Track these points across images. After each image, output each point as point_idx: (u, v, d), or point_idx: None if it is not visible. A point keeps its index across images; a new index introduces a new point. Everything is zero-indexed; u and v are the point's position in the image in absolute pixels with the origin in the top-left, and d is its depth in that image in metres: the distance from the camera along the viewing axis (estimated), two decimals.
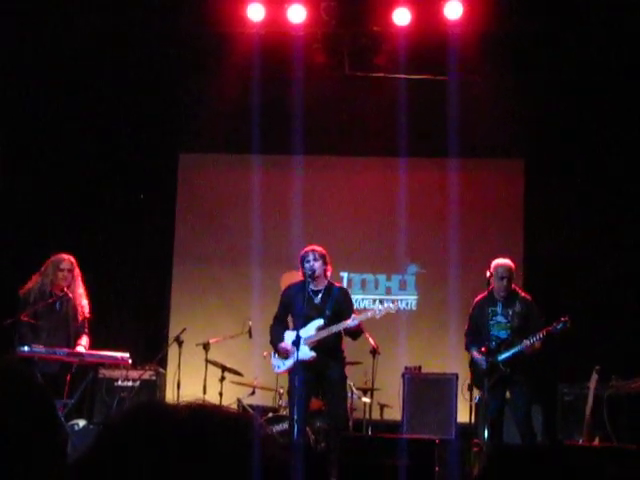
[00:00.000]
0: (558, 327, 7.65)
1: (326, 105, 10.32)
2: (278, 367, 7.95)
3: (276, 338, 7.90)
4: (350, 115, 10.54)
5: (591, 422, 8.13)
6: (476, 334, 8.03)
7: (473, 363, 7.99)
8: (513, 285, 8.04)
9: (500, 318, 7.96)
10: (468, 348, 8.09)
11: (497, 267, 7.96)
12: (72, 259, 8.24)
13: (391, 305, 7.92)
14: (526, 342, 7.70)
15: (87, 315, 8.22)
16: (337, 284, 8.30)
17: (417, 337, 10.44)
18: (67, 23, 9.24)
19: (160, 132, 10.68)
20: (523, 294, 8.07)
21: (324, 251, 7.87)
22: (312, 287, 7.85)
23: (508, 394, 7.98)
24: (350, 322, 7.59)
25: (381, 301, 7.98)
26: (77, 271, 8.25)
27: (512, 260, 8.15)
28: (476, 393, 8.00)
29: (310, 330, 7.69)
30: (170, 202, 11.04)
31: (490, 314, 7.98)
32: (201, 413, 1.13)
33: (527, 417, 7.92)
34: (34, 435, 1.52)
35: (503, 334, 7.92)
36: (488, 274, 7.90)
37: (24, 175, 10.16)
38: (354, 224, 10.87)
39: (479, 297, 8.10)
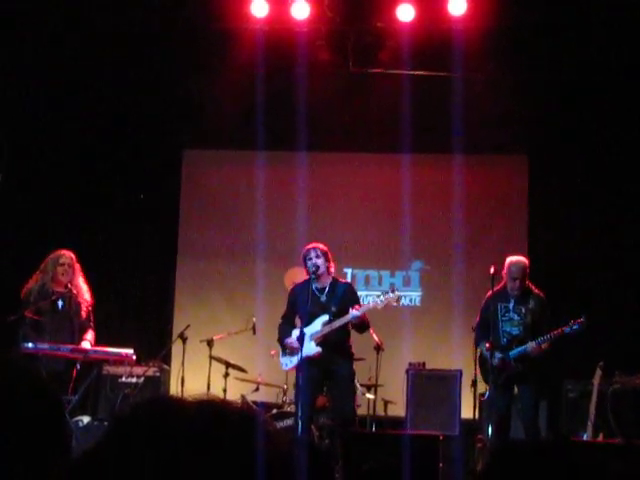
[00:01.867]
0: (574, 327, 7.56)
1: (330, 101, 10.31)
2: (286, 365, 7.98)
3: (283, 335, 7.92)
4: (354, 111, 10.53)
5: (595, 418, 8.13)
6: (486, 329, 7.87)
7: (482, 358, 7.93)
8: (527, 282, 7.95)
9: (512, 315, 7.86)
10: (477, 343, 7.95)
11: (510, 266, 7.85)
12: (71, 254, 8.20)
13: (391, 295, 7.82)
14: (532, 344, 7.62)
15: (91, 309, 8.21)
16: (342, 280, 8.30)
17: (421, 333, 10.43)
18: (68, 20, 9.23)
19: (164, 128, 10.68)
20: (537, 291, 7.96)
21: (325, 248, 7.88)
22: (317, 285, 7.87)
23: (516, 390, 7.94)
24: (353, 312, 7.59)
25: (384, 293, 7.90)
26: (77, 266, 8.22)
27: (518, 256, 8.10)
28: (480, 389, 7.99)
29: (316, 326, 7.71)
30: (174, 198, 11.04)
31: (502, 310, 7.87)
32: (209, 408, 1.13)
33: (534, 415, 7.89)
34: (40, 432, 1.53)
35: (515, 331, 7.84)
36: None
37: (26, 174, 10.16)
38: (358, 220, 10.87)
39: (492, 291, 7.89)
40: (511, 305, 7.88)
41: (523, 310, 7.83)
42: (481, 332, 7.95)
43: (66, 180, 10.49)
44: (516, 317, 7.85)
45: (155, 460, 1.07)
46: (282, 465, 1.12)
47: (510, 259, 7.93)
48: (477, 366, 7.90)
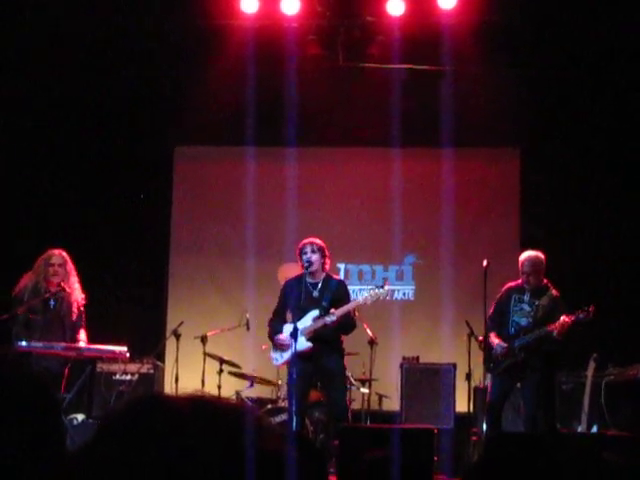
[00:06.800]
0: (581, 316, 7.51)
1: (320, 96, 10.30)
2: (276, 360, 7.96)
3: (274, 331, 7.90)
4: (345, 106, 10.52)
5: (589, 410, 8.15)
6: (498, 319, 7.88)
7: (488, 345, 7.85)
8: (545, 280, 7.88)
9: (524, 306, 7.83)
10: (488, 331, 7.89)
11: (524, 261, 7.83)
12: (63, 253, 8.13)
13: (381, 290, 7.80)
14: (552, 326, 7.50)
15: (82, 309, 8.17)
16: (335, 277, 8.28)
17: (415, 327, 10.45)
18: (58, 18, 9.20)
19: (155, 125, 10.66)
20: (554, 291, 7.88)
21: (323, 244, 7.84)
22: (310, 280, 7.85)
23: (519, 384, 7.89)
24: (329, 318, 7.57)
25: (373, 288, 7.87)
26: (70, 265, 8.14)
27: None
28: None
29: (307, 321, 7.69)
30: (166, 195, 11.03)
31: (516, 301, 7.85)
32: (201, 405, 1.13)
33: (536, 407, 7.81)
34: (33, 429, 1.53)
35: (524, 322, 7.78)
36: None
37: (16, 172, 10.14)
38: (350, 215, 10.86)
39: (511, 284, 7.92)
40: (526, 297, 7.83)
41: (536, 303, 7.78)
42: (493, 323, 7.93)
43: (58, 178, 10.46)
44: (527, 308, 7.79)
45: (147, 458, 1.07)
46: (275, 461, 1.12)
47: (523, 254, 7.91)
48: (483, 350, 7.86)
